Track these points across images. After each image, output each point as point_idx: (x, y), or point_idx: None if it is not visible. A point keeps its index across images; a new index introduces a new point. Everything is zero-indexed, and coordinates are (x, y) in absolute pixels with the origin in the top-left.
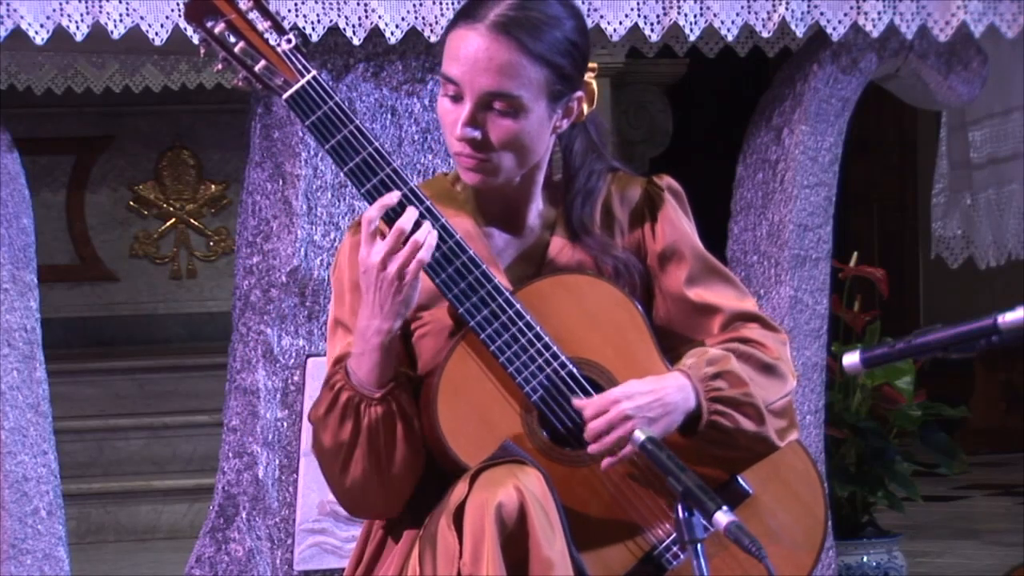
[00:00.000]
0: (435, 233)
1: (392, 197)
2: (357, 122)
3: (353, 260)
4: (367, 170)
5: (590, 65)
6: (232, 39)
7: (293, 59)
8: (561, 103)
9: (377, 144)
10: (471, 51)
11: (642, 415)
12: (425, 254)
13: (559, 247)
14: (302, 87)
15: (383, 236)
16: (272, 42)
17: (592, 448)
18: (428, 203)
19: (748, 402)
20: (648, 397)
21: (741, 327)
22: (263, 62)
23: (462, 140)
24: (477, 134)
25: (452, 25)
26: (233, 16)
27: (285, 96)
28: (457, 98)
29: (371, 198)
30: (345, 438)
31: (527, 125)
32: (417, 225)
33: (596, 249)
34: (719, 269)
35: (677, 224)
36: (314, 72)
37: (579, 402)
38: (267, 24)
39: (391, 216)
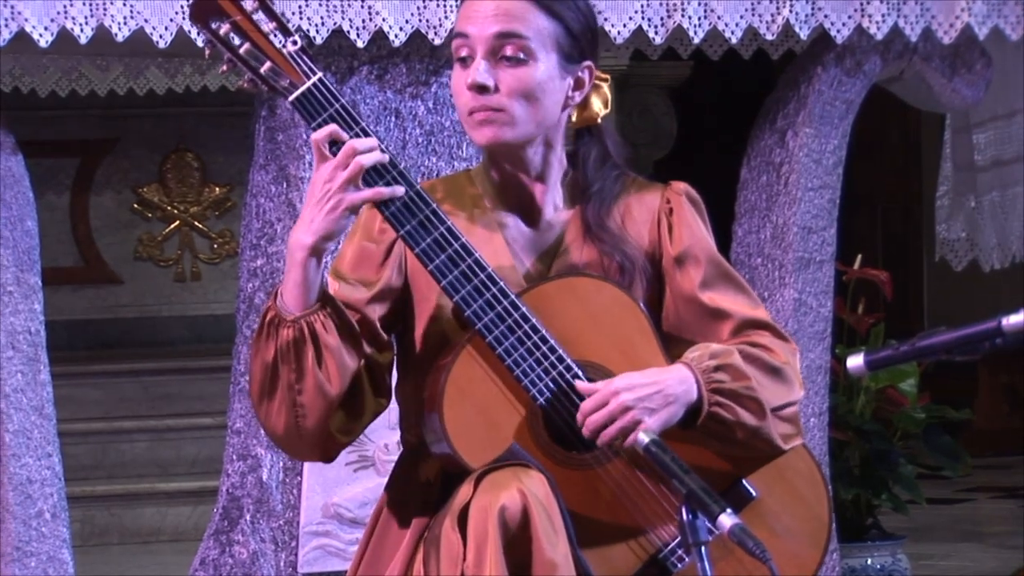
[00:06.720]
0: (377, 155)
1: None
2: (363, 124)
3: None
4: (374, 173)
5: (602, 76)
6: (237, 40)
7: (299, 60)
8: (572, 69)
9: (383, 146)
10: (481, 6)
11: (643, 406)
12: (366, 159)
13: (572, 239)
14: (308, 89)
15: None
16: (278, 43)
17: (592, 438)
18: (434, 206)
19: (749, 395)
20: (649, 388)
21: (752, 333)
22: (268, 64)
23: (472, 87)
24: (489, 80)
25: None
26: (238, 17)
27: (291, 98)
28: (468, 59)
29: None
30: (269, 359)
31: (537, 73)
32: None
33: (607, 244)
34: (734, 276)
35: (694, 228)
36: (320, 74)
37: (582, 385)
38: (272, 25)
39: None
